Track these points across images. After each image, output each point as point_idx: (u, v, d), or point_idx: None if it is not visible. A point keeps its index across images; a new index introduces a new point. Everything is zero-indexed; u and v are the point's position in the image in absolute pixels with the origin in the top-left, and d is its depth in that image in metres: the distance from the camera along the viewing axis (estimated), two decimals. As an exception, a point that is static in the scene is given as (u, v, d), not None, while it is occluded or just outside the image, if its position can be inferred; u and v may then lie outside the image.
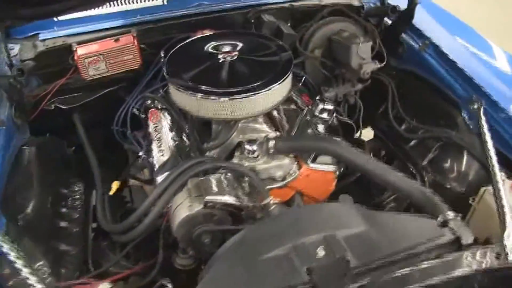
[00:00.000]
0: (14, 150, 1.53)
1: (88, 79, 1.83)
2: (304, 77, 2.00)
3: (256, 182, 1.50)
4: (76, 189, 1.69)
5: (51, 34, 1.86)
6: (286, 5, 2.07)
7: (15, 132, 1.56)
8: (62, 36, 1.85)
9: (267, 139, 1.58)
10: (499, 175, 1.38)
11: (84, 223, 1.60)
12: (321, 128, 1.72)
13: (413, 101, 1.93)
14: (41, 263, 1.30)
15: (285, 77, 1.60)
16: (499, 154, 1.48)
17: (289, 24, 2.07)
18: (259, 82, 1.57)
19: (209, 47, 1.73)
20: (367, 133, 2.18)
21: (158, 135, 1.69)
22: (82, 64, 1.79)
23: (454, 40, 1.89)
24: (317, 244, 1.13)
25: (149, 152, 1.69)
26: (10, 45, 1.81)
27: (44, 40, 1.84)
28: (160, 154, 1.63)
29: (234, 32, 1.88)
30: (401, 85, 1.98)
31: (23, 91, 1.66)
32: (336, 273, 1.10)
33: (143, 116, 1.81)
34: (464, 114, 1.69)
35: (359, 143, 1.95)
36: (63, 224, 1.52)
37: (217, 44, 1.74)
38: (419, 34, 1.89)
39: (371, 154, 1.93)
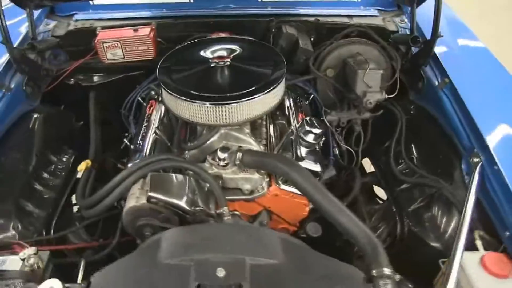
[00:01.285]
0: (17, 114, 1.70)
1: (106, 62, 1.96)
2: (312, 95, 1.93)
3: (215, 189, 1.49)
4: (64, 159, 1.82)
5: (85, 16, 2.03)
6: (312, 19, 2.01)
7: (22, 99, 1.73)
8: (93, 19, 2.01)
9: (237, 150, 1.56)
10: (462, 247, 1.23)
11: (60, 191, 1.71)
12: (303, 150, 1.65)
13: (420, 140, 1.77)
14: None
15: (269, 88, 1.56)
16: (486, 217, 1.32)
17: (312, 39, 2.01)
18: (243, 91, 1.55)
19: (207, 51, 1.74)
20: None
21: (146, 124, 1.75)
22: (101, 47, 1.91)
23: (478, 79, 1.70)
24: (220, 264, 1.10)
25: (136, 137, 1.77)
26: (47, 21, 2.01)
27: (77, 20, 2.00)
28: (140, 142, 1.69)
29: (237, 38, 1.87)
30: (413, 121, 1.82)
31: (40, 64, 1.82)
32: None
33: (145, 105, 1.90)
34: (464, 167, 1.51)
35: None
36: (38, 187, 1.65)
37: (215, 48, 1.75)
38: (442, 70, 1.72)
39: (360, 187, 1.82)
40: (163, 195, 1.41)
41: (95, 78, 2.04)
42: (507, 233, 1.27)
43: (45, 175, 1.70)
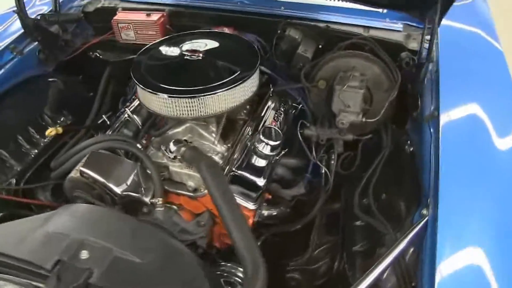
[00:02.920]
0: (26, 75, 1.89)
1: (121, 41, 2.07)
2: (300, 105, 1.81)
3: (153, 177, 1.50)
4: (58, 122, 1.98)
5: (115, -5, 2.16)
6: (322, 25, 1.87)
7: (34, 64, 1.93)
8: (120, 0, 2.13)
9: (186, 145, 1.54)
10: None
11: (43, 151, 1.87)
12: (260, 160, 1.57)
13: (393, 176, 1.55)
14: None
15: (233, 85, 1.50)
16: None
17: (320, 46, 1.88)
18: (206, 86, 1.52)
19: (184, 44, 1.72)
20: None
21: (128, 104, 1.82)
22: (116, 27, 2.04)
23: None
24: (87, 247, 1.12)
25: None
26: (82, -4, 2.20)
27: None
28: (117, 121, 1.77)
29: (218, 33, 1.84)
30: (395, 153, 1.60)
31: (58, 35, 2.00)
32: (76, 279, 1.08)
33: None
34: (415, 216, 1.29)
35: None
36: (22, 142, 1.82)
37: (193, 42, 1.73)
38: (437, 99, 1.48)
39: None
40: (95, 172, 1.46)
41: (113, 55, 2.17)
42: None
43: (34, 133, 1.87)
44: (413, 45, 1.79)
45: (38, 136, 1.89)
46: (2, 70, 1.80)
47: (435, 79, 1.56)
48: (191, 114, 1.54)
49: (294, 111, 1.85)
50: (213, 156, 1.64)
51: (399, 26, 1.87)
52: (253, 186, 1.51)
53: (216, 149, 1.67)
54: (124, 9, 2.07)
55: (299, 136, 1.69)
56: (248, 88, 1.58)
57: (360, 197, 1.55)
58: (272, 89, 1.83)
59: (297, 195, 1.74)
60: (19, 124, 1.82)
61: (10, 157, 1.76)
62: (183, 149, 1.53)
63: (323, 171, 1.80)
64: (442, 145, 1.30)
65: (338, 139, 1.68)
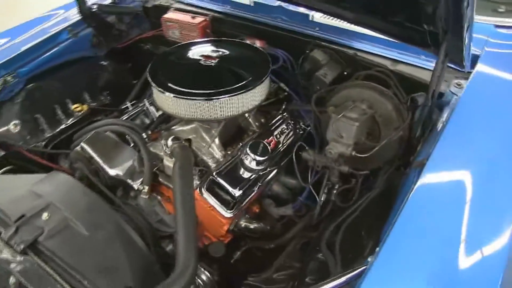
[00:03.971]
0: (77, 55, 2.12)
1: (169, 38, 2.23)
2: (309, 128, 1.79)
3: (145, 164, 1.60)
4: (96, 102, 2.18)
5: (172, -5, 2.32)
6: (351, 52, 1.82)
7: (86, 46, 2.15)
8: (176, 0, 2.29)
9: (178, 143, 1.61)
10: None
11: (76, 123, 2.06)
12: (245, 173, 1.59)
13: (377, 216, 1.46)
14: None
15: (236, 92, 1.56)
16: None
17: (345, 73, 1.85)
18: (210, 90, 1.59)
19: (203, 49, 1.81)
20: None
21: (150, 98, 1.95)
22: (164, 25, 2.19)
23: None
24: (47, 209, 1.27)
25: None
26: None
27: None
28: (136, 109, 1.92)
29: (236, 42, 1.91)
30: (387, 193, 1.51)
31: (113, 24, 2.21)
32: (29, 234, 1.21)
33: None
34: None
35: None
36: (59, 112, 2.02)
37: (211, 49, 1.81)
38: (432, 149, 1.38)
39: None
40: (93, 150, 1.61)
41: (162, 50, 2.33)
42: None
43: (70, 107, 2.08)
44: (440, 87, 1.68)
45: (76, 111, 2.09)
46: (58, 48, 2.04)
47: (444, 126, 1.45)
48: (193, 116, 1.62)
49: (302, 132, 1.83)
50: (207, 160, 1.70)
51: (432, 65, 1.76)
52: (228, 195, 1.54)
53: (213, 153, 1.72)
54: (177, 9, 2.21)
55: (293, 157, 1.68)
56: (251, 98, 1.62)
57: (335, 230, 1.49)
58: (284, 107, 1.83)
59: (284, 215, 1.72)
60: (61, 95, 2.04)
61: (45, 122, 1.98)
62: (175, 145, 1.61)
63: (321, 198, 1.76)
64: (410, 197, 1.22)
65: (333, 168, 1.63)
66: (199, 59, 1.74)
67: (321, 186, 1.69)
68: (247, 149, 1.56)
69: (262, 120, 1.89)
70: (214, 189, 1.57)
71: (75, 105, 2.00)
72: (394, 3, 1.36)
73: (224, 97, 1.57)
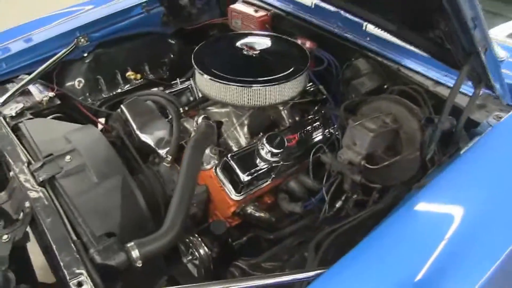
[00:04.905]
0: (146, 30, 2.32)
1: (231, 27, 2.35)
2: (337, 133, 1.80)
3: (174, 134, 1.73)
4: (154, 75, 2.36)
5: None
6: (395, 66, 1.80)
7: (157, 23, 2.34)
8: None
9: (205, 121, 1.72)
10: None
11: (133, 90, 2.27)
12: (261, 163, 1.65)
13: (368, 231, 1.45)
14: None
15: (269, 83, 1.65)
16: None
17: (386, 86, 1.83)
18: (243, 78, 1.68)
19: (250, 40, 1.91)
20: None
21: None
22: (230, 14, 2.32)
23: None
24: (71, 153, 1.46)
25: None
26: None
27: None
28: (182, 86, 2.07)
29: (279, 37, 1.99)
30: (388, 211, 1.48)
31: (185, 7, 2.37)
32: (50, 170, 1.41)
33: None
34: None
35: None
36: (118, 77, 2.24)
37: (257, 41, 1.90)
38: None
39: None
40: (129, 113, 1.78)
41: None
42: None
43: (130, 74, 2.28)
44: (478, 116, 1.60)
45: (133, 78, 2.30)
46: (130, 20, 2.25)
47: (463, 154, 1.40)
48: (222, 99, 1.73)
49: (329, 136, 1.84)
50: (231, 143, 1.79)
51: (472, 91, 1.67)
52: (237, 178, 1.61)
53: (238, 138, 1.81)
54: (245, 1, 2.33)
55: (310, 157, 1.70)
56: (279, 92, 1.68)
57: (328, 234, 1.50)
58: (316, 108, 1.86)
59: (292, 212, 1.75)
60: (123, 63, 2.25)
61: (104, 84, 2.20)
62: (202, 123, 1.72)
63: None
64: (389, 217, 1.21)
65: (347, 175, 1.63)
66: (243, 48, 1.84)
67: (338, 191, 1.71)
68: (264, 139, 1.62)
69: (297, 118, 1.94)
70: (227, 171, 1.65)
71: (130, 73, 2.20)
72: (424, 21, 1.33)
73: (252, 87, 1.65)
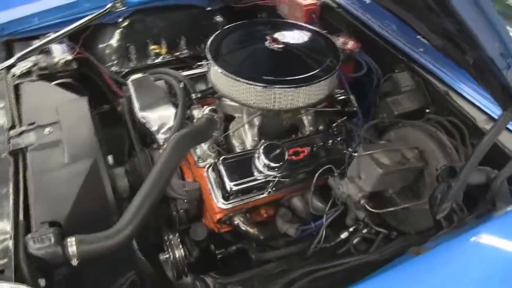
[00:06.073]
0: (190, 3, 2.18)
1: (278, 12, 2.13)
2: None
3: (178, 117, 1.58)
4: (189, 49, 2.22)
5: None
6: (443, 89, 1.47)
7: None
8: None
9: (210, 114, 1.55)
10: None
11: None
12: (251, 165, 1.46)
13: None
14: None
15: (266, 86, 1.44)
16: None
17: (427, 110, 1.52)
18: (252, 75, 1.48)
19: (267, 31, 1.67)
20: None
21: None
22: (280, 0, 2.11)
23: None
24: (53, 126, 1.41)
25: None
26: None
27: None
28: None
29: (312, 29, 1.73)
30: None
31: None
32: (26, 140, 1.36)
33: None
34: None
35: None
36: (148, 49, 2.12)
37: (277, 31, 1.66)
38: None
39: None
40: (134, 89, 1.65)
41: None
42: None
43: (155, 48, 2.13)
44: None
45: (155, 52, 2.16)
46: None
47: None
48: (227, 94, 1.55)
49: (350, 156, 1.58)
50: (234, 143, 1.61)
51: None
52: (223, 184, 1.44)
53: (244, 138, 1.63)
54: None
55: (314, 178, 1.47)
56: (290, 98, 1.46)
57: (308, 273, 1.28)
58: (339, 120, 1.60)
59: (286, 234, 1.55)
60: (158, 34, 2.12)
61: (134, 53, 2.10)
62: (202, 117, 1.55)
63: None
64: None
65: (351, 209, 1.38)
66: (266, 40, 1.61)
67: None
68: (261, 148, 1.41)
69: (321, 127, 1.70)
70: (217, 175, 1.48)
71: (156, 46, 2.08)
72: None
73: (262, 87, 1.44)
